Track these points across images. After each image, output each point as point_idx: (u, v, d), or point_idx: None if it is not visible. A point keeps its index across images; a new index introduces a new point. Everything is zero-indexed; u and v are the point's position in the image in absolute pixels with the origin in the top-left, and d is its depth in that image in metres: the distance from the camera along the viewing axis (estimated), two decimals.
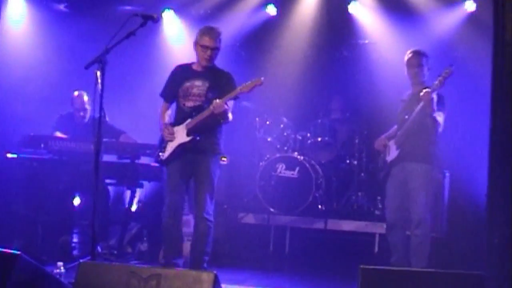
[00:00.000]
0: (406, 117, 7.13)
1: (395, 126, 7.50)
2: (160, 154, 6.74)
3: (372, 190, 9.66)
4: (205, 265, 6.59)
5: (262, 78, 6.46)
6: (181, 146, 6.62)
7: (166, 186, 6.79)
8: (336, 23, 10.60)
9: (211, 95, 6.61)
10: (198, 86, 6.69)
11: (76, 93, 8.69)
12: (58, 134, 8.43)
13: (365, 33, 10.45)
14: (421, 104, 6.85)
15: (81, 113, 8.62)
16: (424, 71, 7.20)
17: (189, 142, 6.58)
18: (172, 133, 6.66)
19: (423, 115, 6.92)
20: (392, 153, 7.29)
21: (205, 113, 6.51)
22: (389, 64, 8.97)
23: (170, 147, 6.68)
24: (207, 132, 6.63)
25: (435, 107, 6.85)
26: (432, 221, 7.98)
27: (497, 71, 4.68)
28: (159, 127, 6.91)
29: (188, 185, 6.81)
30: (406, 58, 7.28)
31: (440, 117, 6.97)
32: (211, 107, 6.44)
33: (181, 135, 6.63)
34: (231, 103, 6.67)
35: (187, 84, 6.72)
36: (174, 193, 6.67)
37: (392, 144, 7.33)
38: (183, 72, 6.87)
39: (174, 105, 6.94)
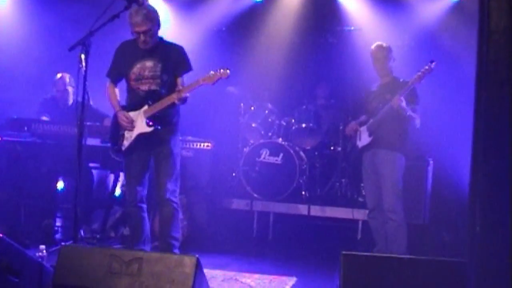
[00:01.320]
0: (380, 105, 7.22)
1: (363, 116, 7.64)
2: (119, 144, 6.48)
3: (356, 177, 9.65)
4: (175, 250, 6.43)
5: (228, 71, 6.20)
6: (142, 135, 6.36)
7: (126, 176, 6.60)
8: (322, 9, 10.61)
9: (166, 77, 6.34)
10: (150, 67, 6.36)
11: (58, 75, 8.67)
12: (45, 118, 8.41)
13: (351, 20, 10.46)
14: (392, 104, 7.00)
15: (62, 95, 8.60)
16: (389, 63, 7.34)
17: (151, 132, 6.32)
18: (131, 122, 6.36)
19: (394, 112, 7.06)
20: (364, 139, 7.41)
21: (165, 102, 6.25)
22: None
23: (130, 136, 6.41)
24: (166, 118, 6.40)
25: (406, 111, 7.00)
26: (414, 208, 8.06)
27: (482, 59, 4.68)
28: (113, 113, 6.64)
29: (150, 171, 6.59)
30: (371, 51, 7.43)
31: (415, 113, 7.12)
32: (173, 98, 6.20)
33: (140, 123, 6.35)
34: (180, 80, 6.42)
35: (138, 65, 6.38)
36: (137, 184, 6.48)
37: (364, 130, 7.44)
38: (131, 51, 6.48)
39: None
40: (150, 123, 6.31)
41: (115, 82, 6.64)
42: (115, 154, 6.71)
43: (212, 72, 6.24)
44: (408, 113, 7.00)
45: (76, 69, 5.67)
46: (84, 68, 5.64)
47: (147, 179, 6.58)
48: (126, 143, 6.44)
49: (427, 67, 6.85)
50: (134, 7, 6.09)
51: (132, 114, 6.42)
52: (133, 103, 6.49)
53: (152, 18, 6.28)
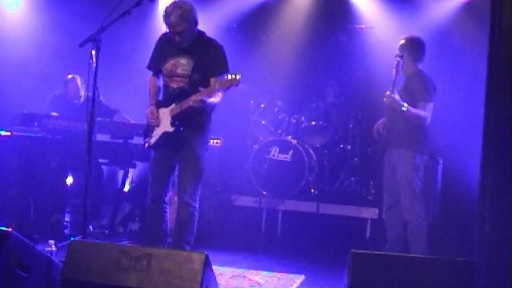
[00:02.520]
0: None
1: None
2: (148, 140, 6.42)
3: (365, 175, 9.67)
4: None
5: (239, 77, 5.90)
6: (166, 134, 6.27)
7: (150, 171, 6.50)
8: (333, 7, 10.59)
9: (196, 76, 6.18)
10: (183, 64, 6.23)
11: (69, 76, 8.70)
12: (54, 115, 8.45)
13: (362, 18, 10.44)
14: (384, 100, 7.07)
15: (75, 101, 8.68)
16: (409, 60, 7.23)
17: (173, 131, 6.21)
18: (156, 118, 6.28)
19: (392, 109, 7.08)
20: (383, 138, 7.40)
21: (185, 104, 6.10)
22: (385, 49, 8.93)
23: (156, 133, 6.33)
24: (192, 119, 6.24)
25: (401, 103, 6.97)
26: (424, 207, 8.04)
27: (493, 58, 4.66)
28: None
29: (174, 172, 6.50)
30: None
31: (425, 110, 7.05)
32: (190, 100, 6.04)
33: (165, 122, 6.26)
34: (214, 80, 6.16)
35: (172, 61, 6.27)
36: (157, 183, 6.40)
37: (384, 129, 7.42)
38: (168, 45, 6.37)
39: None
40: (175, 123, 6.21)
41: (155, 74, 6.54)
42: (145, 148, 6.63)
43: (225, 78, 6.03)
44: (401, 107, 6.94)
45: (86, 66, 5.67)
46: (94, 64, 5.63)
47: (170, 181, 6.47)
48: (153, 139, 6.36)
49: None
50: (170, 4, 6.07)
51: (161, 111, 6.31)
52: (165, 100, 6.39)
53: (187, 17, 6.10)
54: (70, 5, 10.01)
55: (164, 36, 6.47)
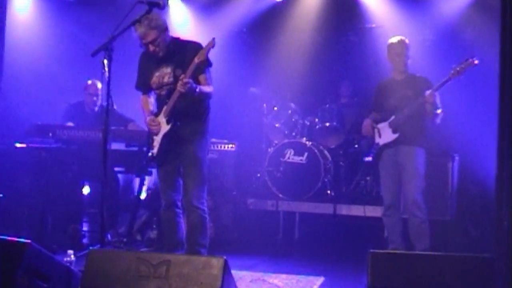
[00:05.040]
0: (403, 103, 7.20)
1: (372, 114, 7.70)
2: (151, 152, 6.38)
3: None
4: None
5: (214, 39, 5.98)
6: (166, 136, 6.25)
7: (159, 181, 6.50)
8: (343, 7, 10.59)
9: (179, 72, 6.12)
10: (168, 73, 6.26)
11: (89, 81, 8.74)
12: (70, 124, 8.49)
13: (372, 17, 10.43)
14: (423, 101, 6.98)
15: (94, 98, 8.68)
16: (407, 60, 7.33)
17: (170, 129, 6.21)
18: (158, 124, 6.26)
19: (421, 108, 7.04)
20: (387, 136, 7.36)
21: (175, 95, 6.08)
22: None
23: (157, 141, 6.31)
24: (188, 115, 6.25)
25: (438, 105, 7.02)
26: (441, 204, 8.03)
27: (505, 55, 4.65)
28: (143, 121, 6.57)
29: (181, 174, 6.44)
30: (391, 44, 7.39)
31: (438, 110, 7.10)
32: (177, 87, 6.00)
33: (163, 124, 6.26)
34: (202, 77, 6.22)
35: (157, 73, 6.31)
36: (168, 188, 6.39)
37: (384, 127, 7.41)
38: (149, 60, 6.41)
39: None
40: (170, 120, 6.21)
41: (145, 93, 6.56)
42: (150, 163, 6.67)
43: (201, 49, 6.04)
44: (436, 109, 7.00)
45: (98, 75, 5.69)
46: (107, 73, 5.64)
47: (180, 184, 6.40)
48: (155, 150, 6.33)
49: (469, 62, 6.79)
50: (155, 11, 5.99)
51: (158, 118, 6.31)
52: (158, 108, 6.41)
53: (156, 25, 6.14)
54: (78, 15, 10.10)
55: (143, 55, 6.51)
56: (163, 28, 6.22)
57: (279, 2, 10.82)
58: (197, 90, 6.07)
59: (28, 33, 9.90)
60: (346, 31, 10.56)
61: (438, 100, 7.00)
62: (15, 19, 9.53)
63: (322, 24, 10.68)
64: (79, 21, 10.05)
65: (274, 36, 10.93)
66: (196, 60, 5.99)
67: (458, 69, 6.81)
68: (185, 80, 5.94)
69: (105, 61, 5.63)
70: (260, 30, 10.94)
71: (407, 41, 7.34)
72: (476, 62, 6.75)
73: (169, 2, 10.36)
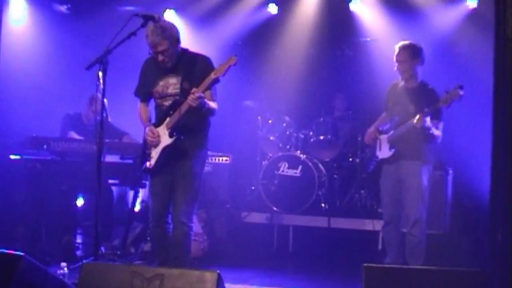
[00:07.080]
0: (403, 118, 7.05)
1: (384, 114, 7.58)
2: (147, 163, 6.20)
3: (375, 187, 9.62)
4: None
5: (236, 57, 5.77)
6: (166, 149, 6.08)
7: (150, 194, 6.33)
8: (338, 21, 10.62)
9: (187, 85, 6.01)
10: (173, 84, 6.13)
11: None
12: (73, 134, 8.47)
13: (367, 31, 10.46)
14: (415, 123, 6.80)
15: (93, 114, 8.65)
16: (416, 66, 7.10)
17: (173, 143, 6.03)
18: (157, 136, 6.09)
19: (414, 129, 6.91)
20: (384, 152, 7.27)
21: (183, 108, 5.92)
22: (391, 62, 8.94)
23: (155, 153, 6.13)
24: (192, 129, 6.13)
25: (430, 130, 6.83)
26: (435, 217, 8.00)
27: (499, 68, 4.67)
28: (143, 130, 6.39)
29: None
30: (394, 53, 7.20)
31: (437, 130, 6.95)
32: (188, 100, 5.85)
33: (164, 137, 6.07)
34: (208, 93, 6.03)
35: (161, 83, 6.17)
36: (158, 204, 6.22)
37: (384, 141, 7.30)
38: (154, 68, 6.26)
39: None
40: (173, 133, 6.04)
41: (144, 100, 6.44)
42: (144, 174, 6.57)
43: (221, 63, 5.87)
44: (431, 132, 6.83)
45: (93, 87, 5.68)
46: (102, 86, 5.64)
47: (170, 201, 6.22)
48: (152, 162, 6.16)
49: (455, 93, 6.58)
50: (150, 24, 5.92)
51: (158, 129, 6.14)
52: (159, 119, 6.24)
53: (169, 36, 6.02)
54: (75, 26, 10.09)
55: (148, 61, 6.39)
56: (176, 39, 6.12)
57: (274, 15, 10.85)
58: (206, 106, 5.98)
59: (23, 45, 9.89)
60: (341, 45, 10.59)
61: (429, 123, 6.77)
62: (10, 30, 9.52)
63: (317, 38, 10.71)
64: (74, 32, 10.05)
65: (269, 49, 10.96)
66: (213, 75, 5.85)
67: (447, 97, 6.62)
68: (197, 94, 5.82)
69: (100, 74, 5.62)
70: (255, 43, 10.97)
71: (413, 46, 7.12)
72: (461, 93, 6.54)
73: (165, 15, 10.37)
